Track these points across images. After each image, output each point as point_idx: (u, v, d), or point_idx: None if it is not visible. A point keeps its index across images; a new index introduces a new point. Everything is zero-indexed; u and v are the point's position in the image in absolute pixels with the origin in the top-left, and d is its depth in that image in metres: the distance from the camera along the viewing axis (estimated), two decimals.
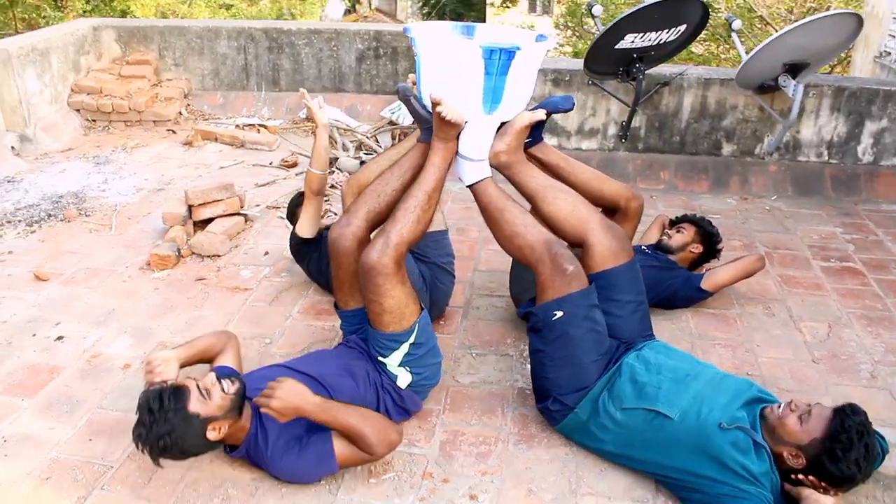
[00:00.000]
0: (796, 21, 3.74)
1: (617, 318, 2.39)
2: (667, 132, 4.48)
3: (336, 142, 5.22)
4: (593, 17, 4.20)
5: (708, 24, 4.20)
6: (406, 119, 5.36)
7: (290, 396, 2.07)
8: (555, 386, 2.33)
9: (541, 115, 2.43)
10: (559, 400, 2.33)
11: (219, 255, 3.66)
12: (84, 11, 11.81)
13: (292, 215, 3.27)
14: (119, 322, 3.11)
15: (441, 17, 24.91)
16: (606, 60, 3.98)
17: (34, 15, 11.14)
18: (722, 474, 2.03)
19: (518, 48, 2.24)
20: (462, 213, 4.15)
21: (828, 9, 7.72)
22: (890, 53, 5.46)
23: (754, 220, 4.11)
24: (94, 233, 3.96)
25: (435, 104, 2.29)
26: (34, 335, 3.01)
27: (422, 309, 2.41)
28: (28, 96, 5.10)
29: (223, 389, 2.10)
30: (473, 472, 2.28)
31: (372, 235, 2.41)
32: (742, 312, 3.20)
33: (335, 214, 3.31)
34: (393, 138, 5.24)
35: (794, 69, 3.92)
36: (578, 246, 2.45)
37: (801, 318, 3.17)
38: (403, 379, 2.40)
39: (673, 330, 3.07)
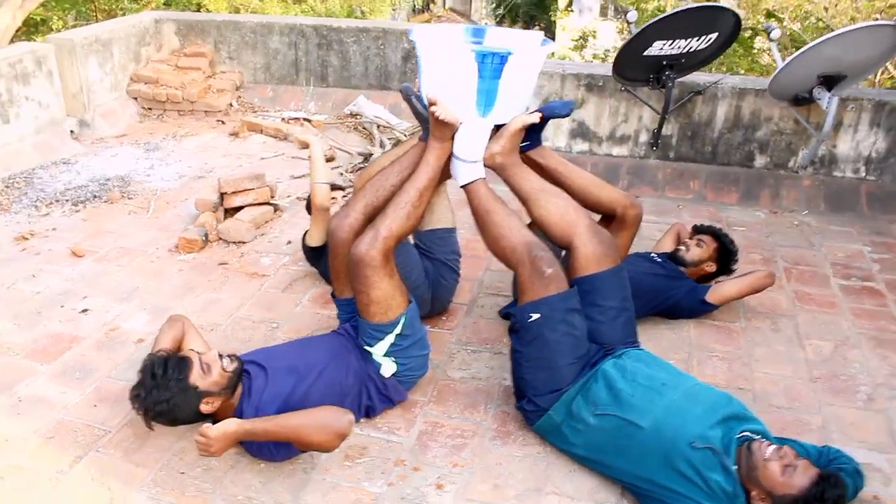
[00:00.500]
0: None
1: (599, 324, 2.42)
2: (699, 141, 4.44)
3: (375, 138, 5.35)
4: (628, 22, 4.20)
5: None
6: None
7: (220, 440, 2.13)
8: (530, 387, 2.38)
9: (535, 118, 2.48)
10: (534, 401, 2.37)
11: (244, 242, 3.83)
12: (164, 3, 12.33)
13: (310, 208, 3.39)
14: (141, 299, 3.30)
15: (514, 19, 24.92)
16: (636, 67, 3.98)
17: (114, 6, 11.68)
18: (686, 488, 2.05)
19: (510, 53, 2.30)
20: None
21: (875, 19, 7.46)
22: None
23: (780, 235, 4.03)
24: (133, 215, 4.18)
25: (430, 104, 2.38)
26: (62, 307, 3.23)
27: (409, 302, 2.50)
28: (89, 84, 5.40)
29: (223, 367, 2.23)
30: (445, 462, 2.36)
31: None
32: (747, 326, 3.17)
33: None
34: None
35: (830, 81, 3.84)
36: (566, 249, 2.50)
37: (808, 335, 3.12)
38: (388, 368, 2.49)
39: (672, 339, 3.07)
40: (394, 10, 22.15)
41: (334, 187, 4.13)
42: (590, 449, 2.25)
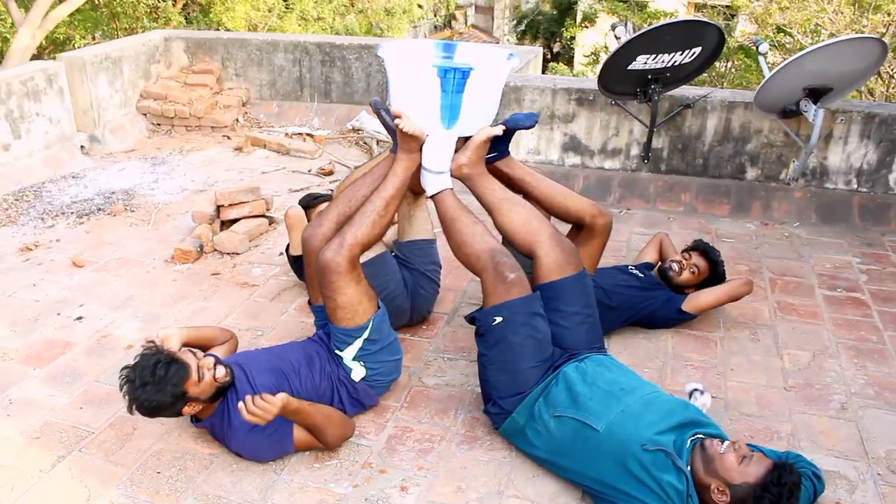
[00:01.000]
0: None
1: (562, 329, 2.48)
2: (689, 154, 4.47)
3: (374, 152, 5.46)
4: (616, 37, 4.26)
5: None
6: None
7: (275, 412, 2.21)
8: (494, 389, 2.44)
9: (498, 130, 2.55)
10: (498, 403, 2.43)
11: (238, 253, 3.93)
12: (184, 22, 12.64)
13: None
14: (134, 308, 3.41)
15: (535, 36, 25.06)
16: (622, 81, 4.03)
17: (135, 26, 12.00)
18: (639, 491, 2.09)
19: (471, 69, 2.38)
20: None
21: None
22: None
23: (769, 246, 4.05)
24: (134, 227, 4.31)
25: (395, 117, 2.46)
26: (58, 314, 3.35)
27: (378, 308, 2.57)
28: (99, 100, 5.58)
29: (215, 376, 2.30)
30: (411, 466, 2.42)
31: None
32: (726, 336, 3.20)
33: None
34: None
35: (816, 94, 3.86)
36: (530, 257, 2.56)
37: (787, 345, 3.14)
38: (357, 372, 2.56)
39: (649, 348, 3.10)
40: (414, 27, 22.41)
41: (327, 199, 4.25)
42: (549, 451, 2.30)
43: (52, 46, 12.23)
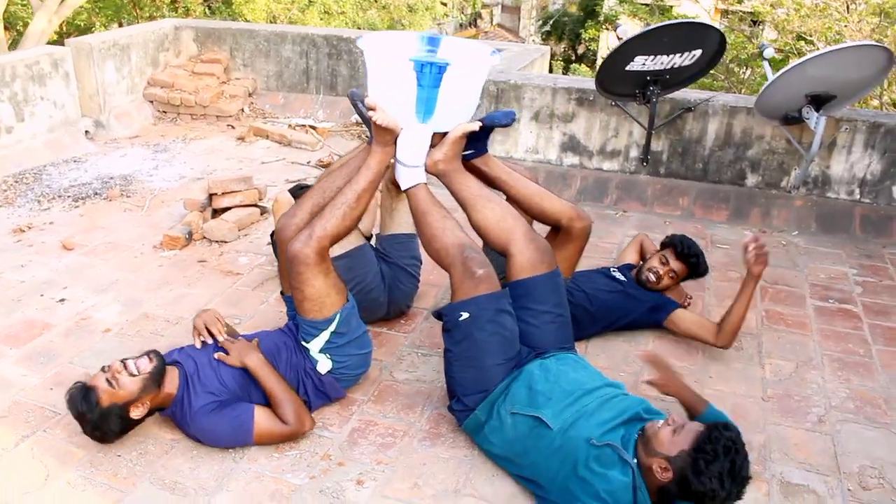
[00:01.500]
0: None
1: (531, 327, 2.44)
2: (689, 158, 4.41)
3: None
4: (619, 38, 4.18)
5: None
6: None
7: (240, 353, 2.47)
8: (459, 386, 2.41)
9: (474, 126, 2.51)
10: (462, 400, 2.40)
11: (226, 242, 3.93)
12: (205, 13, 12.74)
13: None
14: (117, 292, 3.42)
15: (559, 36, 24.95)
16: (620, 81, 3.98)
17: (157, 14, 12.12)
18: (582, 491, 2.04)
19: (448, 64, 2.35)
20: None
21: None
22: None
23: None
24: (128, 212, 4.33)
25: (369, 109, 2.44)
26: (42, 296, 3.36)
27: (347, 301, 2.55)
28: (105, 86, 5.62)
29: (130, 372, 2.31)
30: (370, 460, 2.39)
31: None
32: None
33: None
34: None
35: (818, 101, 3.78)
36: (503, 255, 2.52)
37: (770, 354, 3.07)
38: (323, 365, 2.54)
39: (627, 351, 3.05)
40: (438, 24, 22.37)
41: None
42: (504, 447, 2.27)
43: (75, 32, 12.39)
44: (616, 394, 2.28)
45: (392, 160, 2.59)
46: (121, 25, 12.56)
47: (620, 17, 15.53)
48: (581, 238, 2.73)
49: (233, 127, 5.97)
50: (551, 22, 25.34)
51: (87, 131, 5.50)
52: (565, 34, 25.14)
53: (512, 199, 2.70)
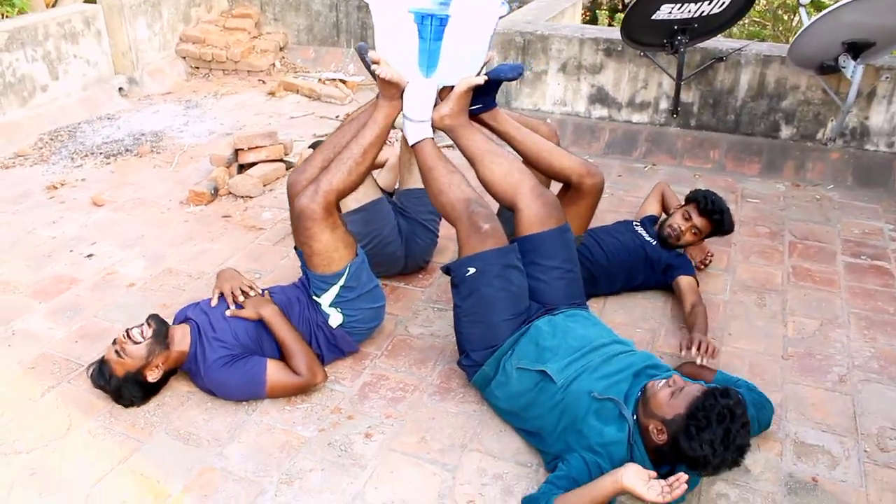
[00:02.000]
0: None
1: (540, 283, 2.41)
2: (721, 110, 4.27)
3: None
4: (801, 5, 3.98)
5: None
6: None
7: (255, 305, 2.52)
8: (468, 341, 2.41)
9: (479, 80, 2.46)
10: (471, 356, 2.40)
11: (251, 197, 3.97)
12: None
13: None
14: (142, 247, 3.49)
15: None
16: (647, 31, 3.85)
17: None
18: (577, 443, 2.04)
19: (448, 16, 2.30)
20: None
21: None
22: None
23: (796, 208, 3.85)
24: (157, 168, 4.40)
25: (373, 62, 2.41)
26: (71, 251, 3.46)
27: (356, 255, 2.56)
28: (137, 43, 5.66)
29: (135, 340, 2.38)
30: (380, 413, 2.42)
31: None
32: (731, 299, 3.08)
33: None
34: None
35: (856, 49, 3.61)
36: (511, 209, 2.50)
37: (794, 312, 3.00)
38: (335, 319, 2.57)
39: (646, 308, 3.01)
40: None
41: None
42: (509, 401, 2.27)
43: None
44: (623, 350, 2.25)
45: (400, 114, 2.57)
46: None
47: None
48: (592, 195, 2.67)
49: (263, 82, 5.98)
50: None
51: (120, 88, 5.57)
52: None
53: (521, 155, 2.66)
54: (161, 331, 2.41)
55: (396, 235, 3.06)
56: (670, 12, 3.65)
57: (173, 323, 2.60)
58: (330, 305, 2.55)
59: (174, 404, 2.47)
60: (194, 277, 3.22)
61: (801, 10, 3.96)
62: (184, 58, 6.13)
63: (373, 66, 2.39)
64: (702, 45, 4.09)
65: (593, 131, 4.52)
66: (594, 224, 3.48)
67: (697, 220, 3.05)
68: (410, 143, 2.55)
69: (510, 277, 2.34)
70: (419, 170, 2.54)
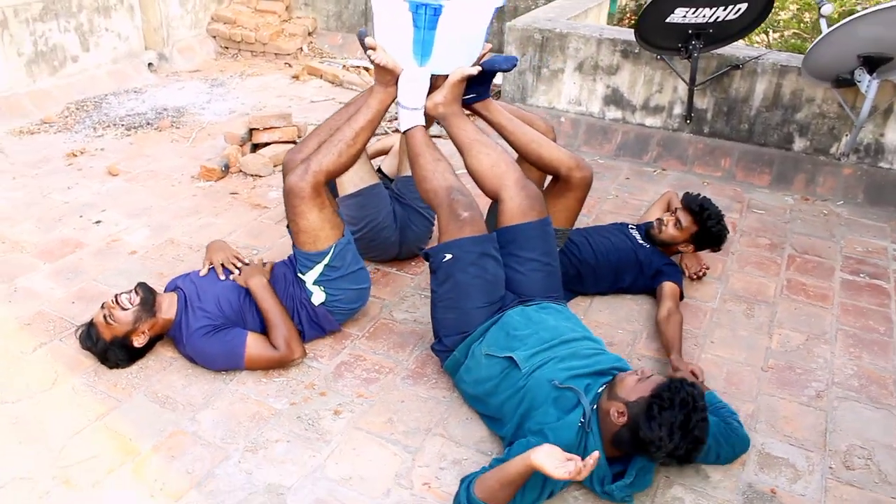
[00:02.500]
0: None
1: (518, 274, 2.45)
2: (735, 118, 4.23)
3: None
4: (821, 16, 3.97)
5: None
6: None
7: (247, 274, 2.64)
8: (441, 327, 2.45)
9: (473, 71, 2.50)
10: (443, 341, 2.45)
11: (260, 176, 4.06)
12: None
13: None
14: (148, 217, 3.60)
15: None
16: (661, 34, 3.83)
17: None
18: (528, 428, 2.07)
19: (442, 6, 2.33)
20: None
21: None
22: None
23: (801, 222, 3.81)
24: (174, 142, 4.51)
25: (369, 48, 2.46)
26: (81, 217, 3.57)
27: (342, 236, 2.62)
28: (169, 20, 5.79)
29: (123, 307, 2.47)
30: (351, 392, 2.48)
31: None
32: (719, 308, 3.07)
33: None
34: None
35: (872, 63, 3.56)
36: (495, 200, 2.53)
37: (781, 324, 2.98)
38: (317, 297, 2.63)
39: (632, 309, 3.02)
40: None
41: None
42: (475, 385, 2.31)
43: None
44: (592, 347, 2.28)
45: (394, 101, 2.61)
46: None
47: None
48: (580, 188, 2.69)
49: (290, 65, 6.07)
50: None
51: (150, 64, 5.70)
52: None
53: (512, 145, 2.69)
54: (148, 299, 2.49)
55: (391, 221, 3.10)
56: (685, 16, 3.64)
57: (164, 291, 2.69)
58: (313, 283, 2.61)
59: (156, 368, 2.56)
60: (194, 249, 3.31)
61: (822, 21, 3.91)
62: (214, 37, 6.25)
63: (368, 52, 2.44)
64: (719, 51, 4.06)
65: (606, 132, 4.52)
66: (594, 224, 3.52)
67: (680, 214, 3.06)
68: (402, 130, 2.60)
69: (485, 266, 2.38)
70: (408, 156, 2.59)
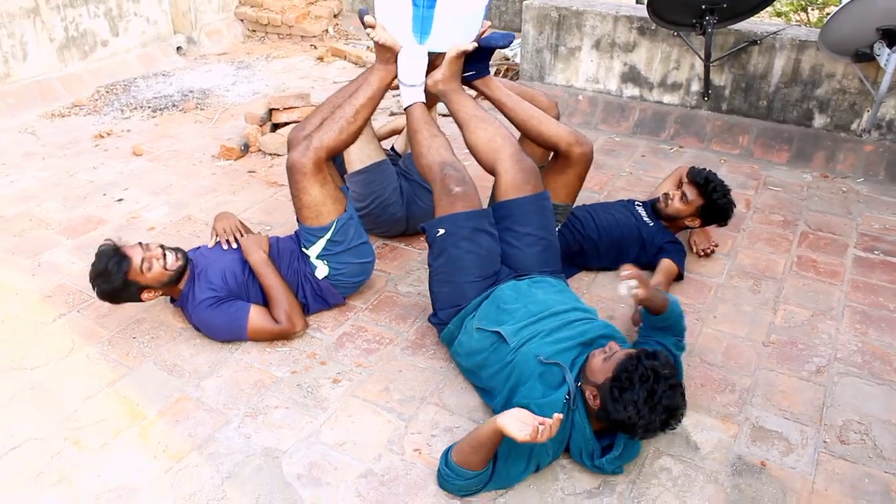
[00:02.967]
0: None
1: (514, 249, 2.48)
2: (753, 95, 4.17)
3: None
4: None
5: None
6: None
7: (247, 245, 2.69)
8: (437, 300, 2.50)
9: (470, 47, 2.53)
10: (438, 314, 2.50)
11: (278, 155, 4.14)
12: None
13: None
14: (168, 195, 3.71)
15: None
16: (674, 9, 3.80)
17: None
18: (518, 402, 2.09)
19: None
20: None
21: None
22: None
23: (818, 199, 3.76)
24: (198, 123, 4.62)
25: (369, 26, 2.51)
26: (104, 195, 3.71)
27: (345, 211, 2.68)
28: (197, 4, 5.91)
29: (165, 266, 2.53)
30: (351, 362, 2.55)
31: None
32: (725, 283, 3.06)
33: None
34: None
35: (891, 36, 3.48)
36: (492, 174, 2.56)
37: (787, 300, 2.96)
38: (321, 271, 2.71)
39: None
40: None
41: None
42: (468, 358, 2.36)
43: None
44: (582, 317, 2.30)
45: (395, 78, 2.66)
46: None
47: None
48: (580, 164, 2.70)
49: (315, 47, 6.15)
50: None
51: (179, 47, 5.83)
52: None
53: (511, 121, 2.71)
54: (182, 270, 2.58)
55: (398, 197, 3.16)
56: None
57: None
58: (317, 257, 2.69)
59: (166, 338, 2.66)
60: (209, 226, 3.39)
61: None
62: (241, 20, 6.35)
63: (367, 30, 2.49)
64: (736, 27, 4.01)
65: (623, 110, 4.50)
66: (604, 201, 3.52)
67: (686, 187, 3.05)
68: (403, 107, 2.65)
69: (479, 241, 2.41)
70: (407, 132, 2.64)
